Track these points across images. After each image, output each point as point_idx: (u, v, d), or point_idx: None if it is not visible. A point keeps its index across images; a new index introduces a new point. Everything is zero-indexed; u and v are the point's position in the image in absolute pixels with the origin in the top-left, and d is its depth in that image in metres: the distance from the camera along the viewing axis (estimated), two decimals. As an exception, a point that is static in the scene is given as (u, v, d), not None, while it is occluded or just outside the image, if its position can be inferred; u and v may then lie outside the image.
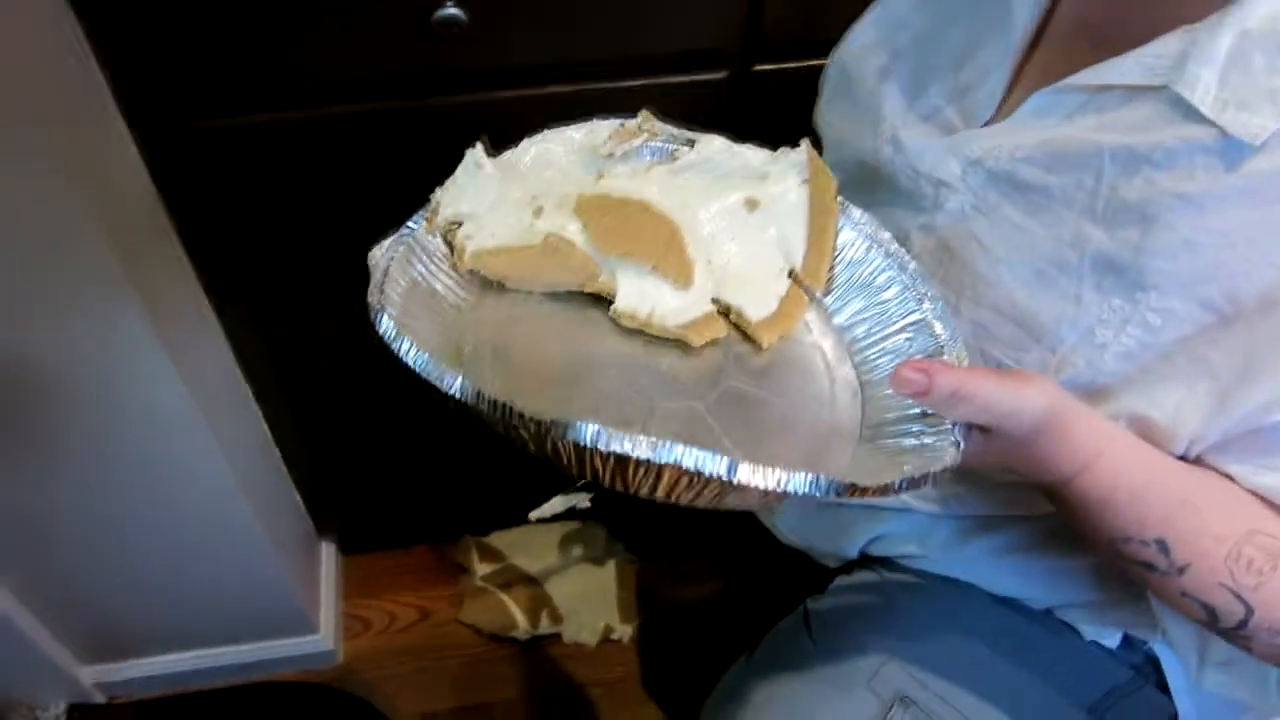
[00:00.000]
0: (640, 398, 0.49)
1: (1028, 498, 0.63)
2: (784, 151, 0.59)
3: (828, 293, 0.57)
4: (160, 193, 0.82)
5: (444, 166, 0.55)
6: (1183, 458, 0.52)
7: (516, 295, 0.53)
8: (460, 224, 0.53)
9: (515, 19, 0.75)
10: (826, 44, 0.72)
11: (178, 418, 0.86)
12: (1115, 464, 0.49)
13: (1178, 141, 0.47)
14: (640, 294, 0.51)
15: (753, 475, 0.37)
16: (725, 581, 1.37)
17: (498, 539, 1.39)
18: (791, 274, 0.56)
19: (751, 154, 0.58)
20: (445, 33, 0.73)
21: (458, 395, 0.41)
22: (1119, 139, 0.49)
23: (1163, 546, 0.50)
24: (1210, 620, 0.51)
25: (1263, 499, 0.50)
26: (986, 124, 0.58)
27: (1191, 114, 0.46)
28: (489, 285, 0.53)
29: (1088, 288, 0.51)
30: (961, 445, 0.46)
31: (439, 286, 0.51)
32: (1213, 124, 0.45)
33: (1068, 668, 0.68)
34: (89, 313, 0.75)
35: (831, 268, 0.57)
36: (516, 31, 0.76)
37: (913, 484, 0.42)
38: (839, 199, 0.58)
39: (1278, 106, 0.44)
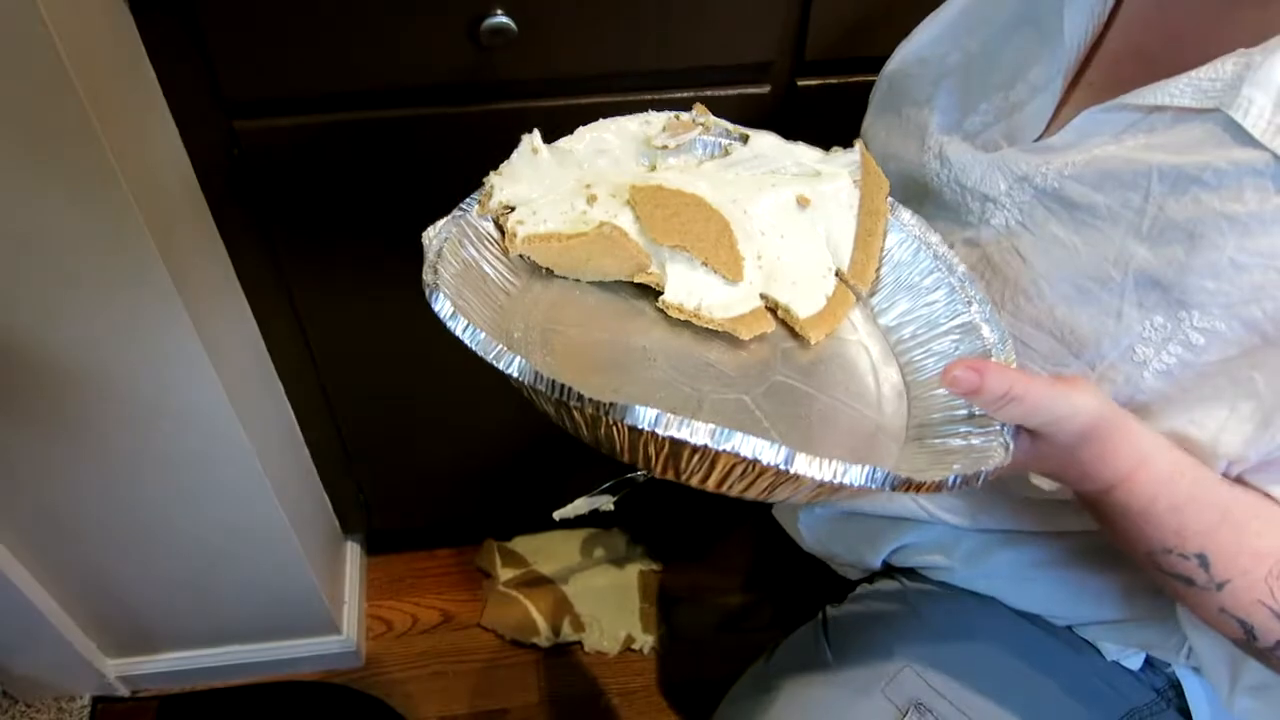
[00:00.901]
0: (689, 388, 0.49)
1: (1055, 514, 0.63)
2: (837, 151, 0.59)
3: (874, 293, 0.57)
4: (202, 188, 0.83)
5: (486, 172, 0.56)
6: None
7: (565, 283, 0.53)
8: (513, 208, 0.53)
9: (563, 29, 0.76)
10: (871, 60, 0.73)
11: (211, 414, 0.87)
12: (1159, 475, 0.49)
13: (1228, 164, 0.46)
14: (689, 286, 0.52)
15: (809, 466, 0.38)
16: (748, 592, 1.37)
17: (521, 544, 1.40)
18: (839, 273, 0.56)
19: (804, 152, 0.59)
20: (494, 41, 0.74)
21: (516, 375, 0.41)
22: (1168, 159, 0.49)
23: (1203, 561, 0.49)
24: (1248, 639, 0.50)
25: None
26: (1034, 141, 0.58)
27: (1243, 138, 0.46)
28: (538, 271, 0.53)
29: (1129, 304, 0.51)
30: (1011, 447, 0.46)
31: (489, 270, 0.52)
32: (1265, 148, 0.45)
33: (1087, 686, 0.68)
34: (126, 306, 0.76)
35: (879, 268, 0.57)
36: (564, 41, 0.76)
37: (965, 481, 0.43)
38: (889, 200, 0.58)
39: None
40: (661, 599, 1.35)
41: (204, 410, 0.86)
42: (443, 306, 0.44)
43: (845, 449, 0.49)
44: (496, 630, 1.31)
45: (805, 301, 0.54)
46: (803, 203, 0.55)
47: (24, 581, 1.01)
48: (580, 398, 0.38)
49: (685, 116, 0.59)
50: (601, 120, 0.59)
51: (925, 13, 0.68)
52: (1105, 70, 0.56)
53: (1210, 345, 0.48)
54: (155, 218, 0.72)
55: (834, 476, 0.38)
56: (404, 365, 1.02)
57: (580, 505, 0.73)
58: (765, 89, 0.83)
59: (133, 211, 0.69)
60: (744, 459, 0.38)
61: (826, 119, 0.72)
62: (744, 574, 1.39)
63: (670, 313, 0.52)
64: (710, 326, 0.52)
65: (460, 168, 0.61)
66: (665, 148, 0.58)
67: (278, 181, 0.83)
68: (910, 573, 0.77)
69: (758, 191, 0.55)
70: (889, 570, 0.79)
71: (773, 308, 0.55)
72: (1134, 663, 0.69)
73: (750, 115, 0.81)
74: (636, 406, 0.37)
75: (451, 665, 1.28)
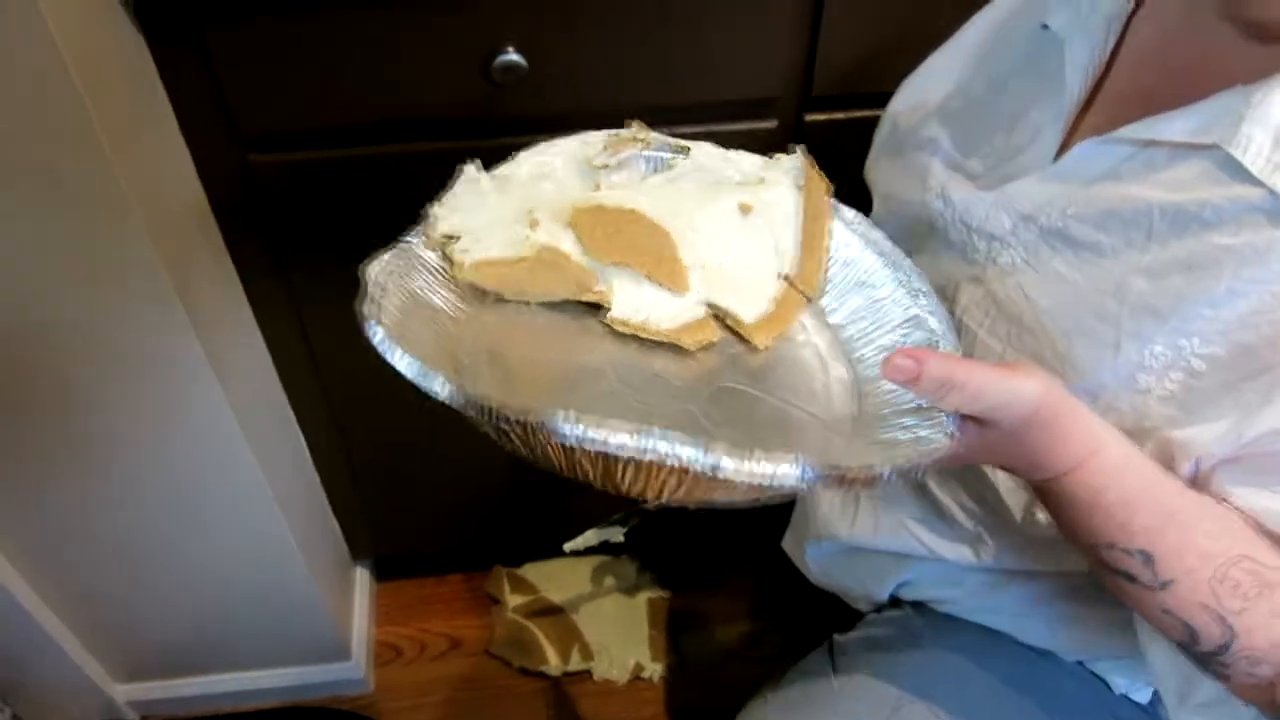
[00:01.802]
0: (637, 401, 0.49)
1: (1061, 553, 0.62)
2: (778, 157, 0.59)
3: (822, 294, 0.58)
4: (216, 218, 0.84)
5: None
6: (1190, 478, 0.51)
7: (514, 306, 0.53)
8: (457, 238, 0.54)
9: (573, 67, 0.77)
10: (878, 96, 0.73)
11: (221, 436, 0.88)
12: (1108, 466, 0.49)
13: (1226, 201, 0.47)
14: (635, 301, 0.53)
15: (732, 462, 0.37)
16: (757, 621, 1.37)
17: (530, 570, 1.40)
18: (786, 277, 0.56)
19: (746, 160, 0.59)
20: (505, 78, 0.75)
21: (446, 399, 0.41)
22: (1168, 197, 0.49)
23: (1146, 558, 0.49)
24: (1190, 641, 0.50)
25: (1259, 525, 0.49)
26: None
27: (1241, 174, 0.46)
28: (486, 297, 0.53)
29: (1126, 335, 0.51)
30: (956, 435, 0.46)
31: (438, 300, 0.52)
32: (1263, 185, 0.45)
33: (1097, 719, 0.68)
34: (137, 325, 0.77)
35: (825, 270, 0.57)
36: (574, 78, 0.77)
37: (903, 473, 0.42)
38: (832, 202, 0.58)
39: None
40: (671, 626, 1.35)
41: (213, 431, 0.87)
42: (378, 337, 0.44)
43: (791, 449, 0.49)
44: (505, 658, 1.30)
45: (751, 307, 0.54)
46: (745, 209, 0.56)
47: (34, 605, 1.01)
48: (507, 417, 0.38)
49: (624, 133, 0.59)
50: (541, 144, 0.60)
51: (931, 47, 0.69)
52: (1108, 111, 0.56)
53: (1211, 370, 0.48)
54: (168, 247, 0.73)
55: (757, 471, 0.37)
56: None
57: (590, 537, 0.73)
58: (773, 123, 0.84)
59: (144, 241, 0.70)
60: (669, 461, 0.37)
61: (835, 154, 0.73)
62: (753, 602, 1.38)
63: (617, 328, 0.52)
64: (657, 339, 0.52)
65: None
66: (606, 166, 0.58)
67: (291, 213, 0.84)
68: (919, 605, 0.77)
69: (700, 202, 0.56)
70: (897, 602, 0.78)
71: (720, 315, 0.55)
72: (1143, 696, 0.68)
73: (758, 151, 0.83)
74: (557, 415, 0.37)
75: (460, 692, 1.28)
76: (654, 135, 0.60)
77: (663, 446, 0.37)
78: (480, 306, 0.53)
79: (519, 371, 0.50)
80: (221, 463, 0.90)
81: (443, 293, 0.53)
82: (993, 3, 0.67)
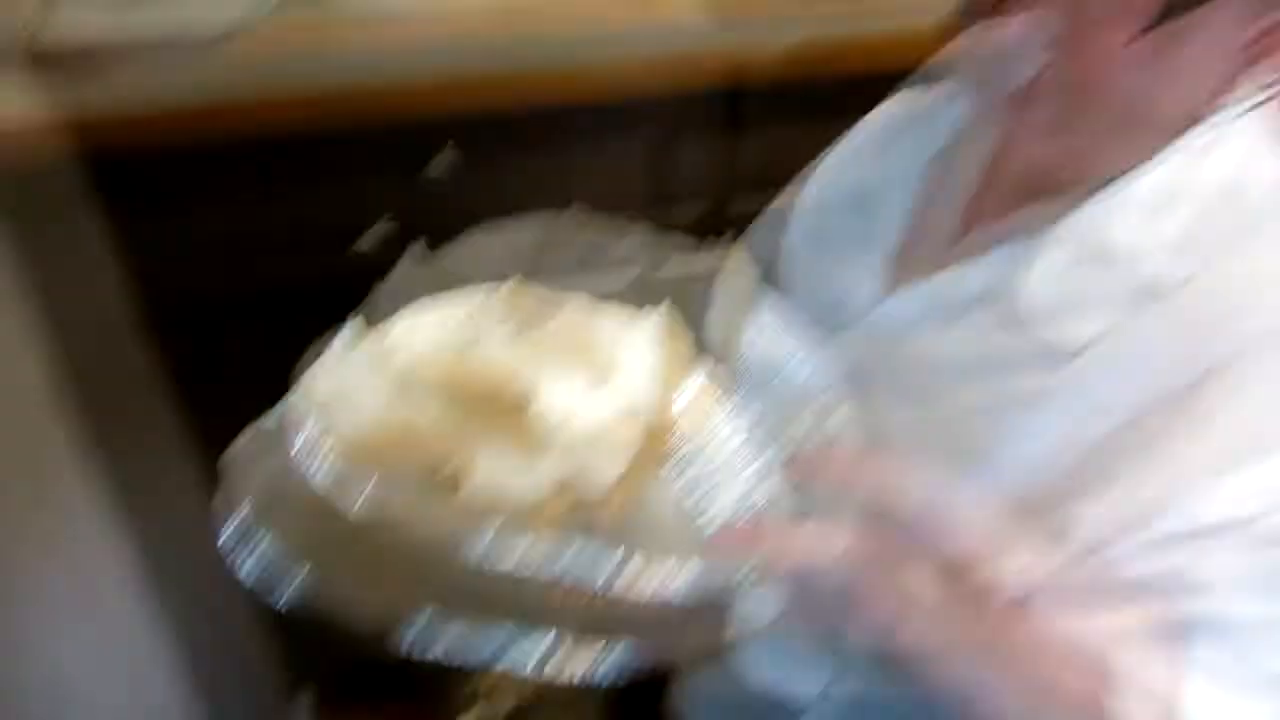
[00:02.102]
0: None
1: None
2: (641, 316, 0.59)
3: (675, 451, 0.56)
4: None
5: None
6: None
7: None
8: (326, 405, 0.51)
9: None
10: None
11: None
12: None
13: (1008, 350, 0.51)
14: (492, 475, 0.50)
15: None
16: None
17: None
18: (642, 435, 0.54)
19: (609, 321, 0.58)
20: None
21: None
22: (960, 349, 0.54)
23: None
24: None
25: None
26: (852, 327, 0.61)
27: (1020, 324, 0.51)
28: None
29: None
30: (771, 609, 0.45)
31: (302, 476, 0.49)
32: (1038, 333, 0.50)
33: None
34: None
35: (678, 428, 0.56)
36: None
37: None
38: (695, 357, 0.58)
39: (1088, 319, 0.48)
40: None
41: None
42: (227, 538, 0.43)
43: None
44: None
45: (606, 470, 0.51)
46: (605, 373, 0.54)
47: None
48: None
49: (501, 292, 0.58)
50: (423, 301, 0.58)
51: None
52: (928, 252, 0.59)
53: (1010, 509, 0.48)
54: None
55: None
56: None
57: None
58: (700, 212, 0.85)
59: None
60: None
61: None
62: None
63: (476, 504, 0.49)
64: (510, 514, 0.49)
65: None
66: (482, 324, 0.57)
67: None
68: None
69: (564, 367, 0.54)
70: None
71: (571, 485, 0.52)
72: None
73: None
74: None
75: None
76: (531, 291, 0.58)
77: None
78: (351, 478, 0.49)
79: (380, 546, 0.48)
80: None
81: (309, 467, 0.50)
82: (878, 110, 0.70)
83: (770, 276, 0.66)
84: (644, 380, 0.55)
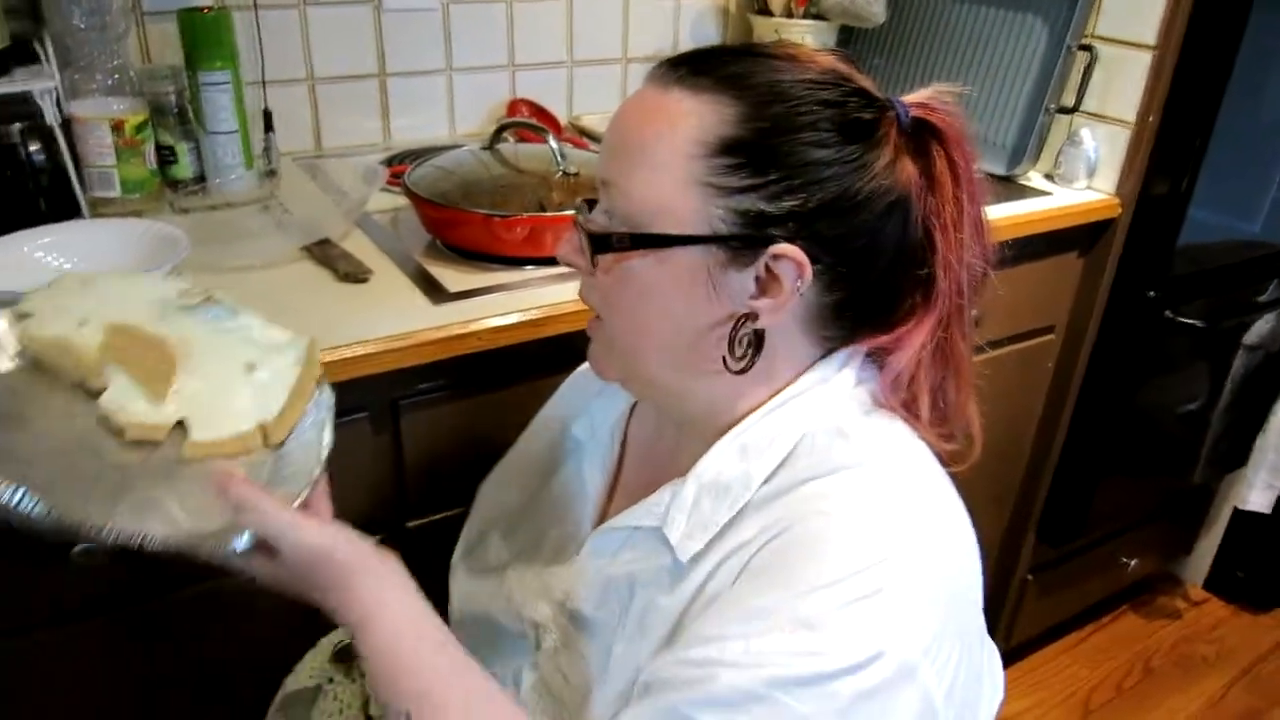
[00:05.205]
0: (94, 462, 0.63)
1: None
2: (297, 338, 0.73)
3: (280, 445, 0.68)
4: None
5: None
6: None
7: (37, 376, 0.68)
8: (30, 315, 0.69)
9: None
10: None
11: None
12: (387, 630, 0.60)
13: (659, 567, 0.65)
14: (121, 395, 0.66)
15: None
16: None
17: None
18: (261, 425, 0.68)
19: (277, 333, 0.73)
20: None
21: None
22: (635, 568, 0.66)
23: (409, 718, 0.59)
24: None
25: None
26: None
27: (667, 545, 0.64)
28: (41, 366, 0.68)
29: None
30: (238, 550, 0.58)
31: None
32: (676, 553, 0.63)
33: None
34: None
35: (290, 431, 0.69)
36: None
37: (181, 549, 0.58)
38: (318, 386, 0.72)
39: (707, 534, 0.62)
40: None
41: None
42: None
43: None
44: None
45: (205, 430, 0.66)
46: (250, 367, 0.70)
47: None
48: None
49: (197, 290, 0.75)
50: (142, 273, 0.79)
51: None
52: (627, 500, 0.71)
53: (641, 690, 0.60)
54: None
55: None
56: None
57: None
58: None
59: None
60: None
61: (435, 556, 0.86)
62: None
63: (102, 408, 0.66)
64: (120, 425, 0.65)
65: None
66: (182, 307, 0.73)
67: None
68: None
69: (218, 349, 0.71)
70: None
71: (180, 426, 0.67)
72: None
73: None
74: None
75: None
76: (219, 296, 0.75)
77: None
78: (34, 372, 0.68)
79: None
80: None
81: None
82: (527, 430, 0.88)
83: None
84: (281, 384, 0.70)
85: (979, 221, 0.65)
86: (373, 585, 0.61)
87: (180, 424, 0.67)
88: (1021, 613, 1.89)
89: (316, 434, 0.69)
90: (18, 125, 1.08)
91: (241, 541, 0.58)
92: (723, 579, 0.60)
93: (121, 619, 0.95)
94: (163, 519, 0.60)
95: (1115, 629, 2.13)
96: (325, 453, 0.67)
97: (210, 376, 0.69)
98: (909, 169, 0.62)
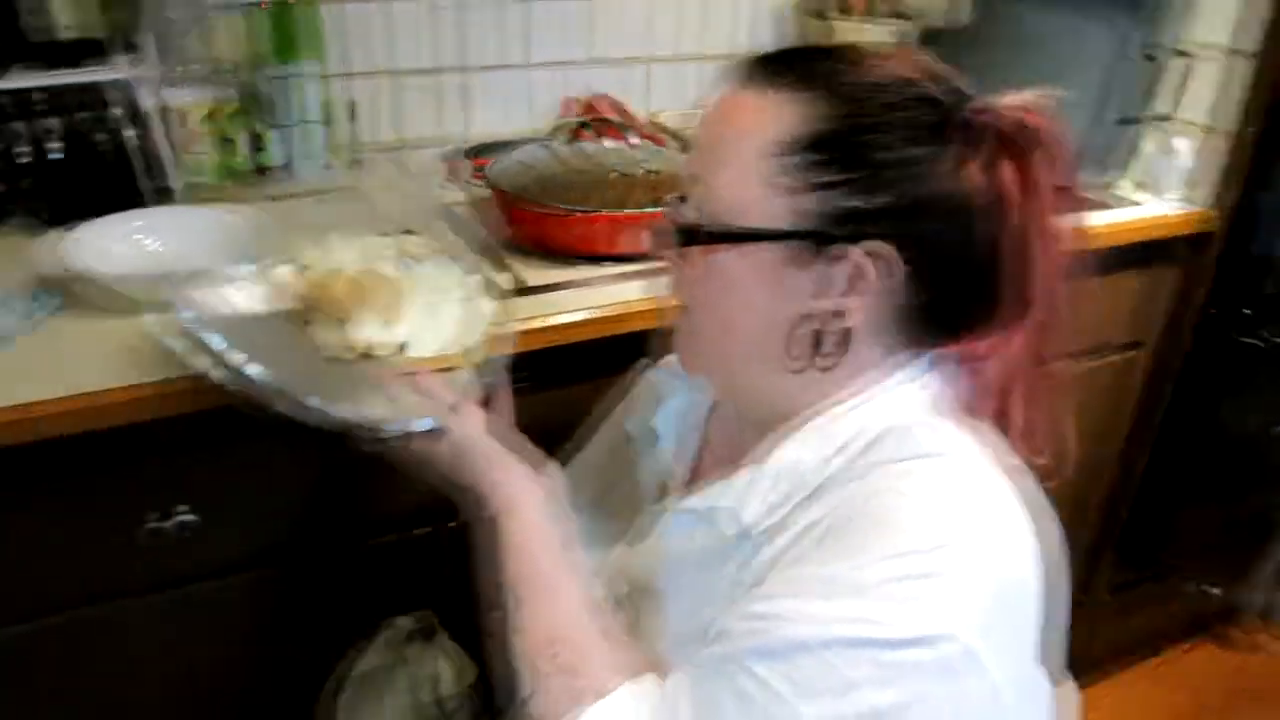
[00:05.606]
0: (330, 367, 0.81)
1: None
2: (494, 282, 0.92)
3: (475, 366, 0.83)
4: None
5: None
6: None
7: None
8: (307, 267, 0.87)
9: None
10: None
11: None
12: (522, 523, 0.71)
13: (732, 545, 0.65)
14: (360, 322, 0.82)
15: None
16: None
17: None
18: (464, 349, 0.83)
19: (486, 275, 0.92)
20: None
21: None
22: (709, 545, 0.67)
23: (517, 601, 0.68)
24: (519, 687, 0.65)
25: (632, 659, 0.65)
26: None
27: (741, 523, 0.65)
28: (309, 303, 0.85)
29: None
30: (414, 428, 0.74)
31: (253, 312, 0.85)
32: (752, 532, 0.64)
33: None
34: None
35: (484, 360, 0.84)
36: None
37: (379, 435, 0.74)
38: (508, 321, 0.88)
39: (780, 512, 0.63)
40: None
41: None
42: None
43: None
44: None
45: (421, 349, 0.83)
46: (459, 303, 0.87)
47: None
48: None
49: (426, 245, 0.94)
50: (400, 237, 0.96)
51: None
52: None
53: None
54: None
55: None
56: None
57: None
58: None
59: None
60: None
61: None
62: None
63: (345, 332, 0.82)
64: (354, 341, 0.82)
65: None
66: (414, 257, 0.91)
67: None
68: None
69: (437, 289, 0.87)
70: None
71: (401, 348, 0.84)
72: None
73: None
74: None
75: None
76: (441, 247, 0.95)
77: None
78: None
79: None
80: None
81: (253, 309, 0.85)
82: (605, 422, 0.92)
83: None
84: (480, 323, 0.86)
85: (1077, 231, 0.63)
86: (520, 485, 0.73)
87: (402, 347, 0.83)
88: (1098, 632, 1.83)
89: (501, 354, 0.84)
90: (117, 111, 1.11)
91: (422, 424, 0.74)
92: (793, 554, 0.61)
93: (200, 592, 0.98)
94: (367, 405, 0.76)
95: (1195, 656, 2.05)
96: (504, 368, 0.84)
97: (429, 308, 0.85)
98: (1005, 173, 0.61)
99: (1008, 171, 0.60)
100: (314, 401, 0.74)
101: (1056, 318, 0.63)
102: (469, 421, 0.75)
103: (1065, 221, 0.62)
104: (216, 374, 0.76)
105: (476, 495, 0.73)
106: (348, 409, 0.74)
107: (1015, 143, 0.61)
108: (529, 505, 0.72)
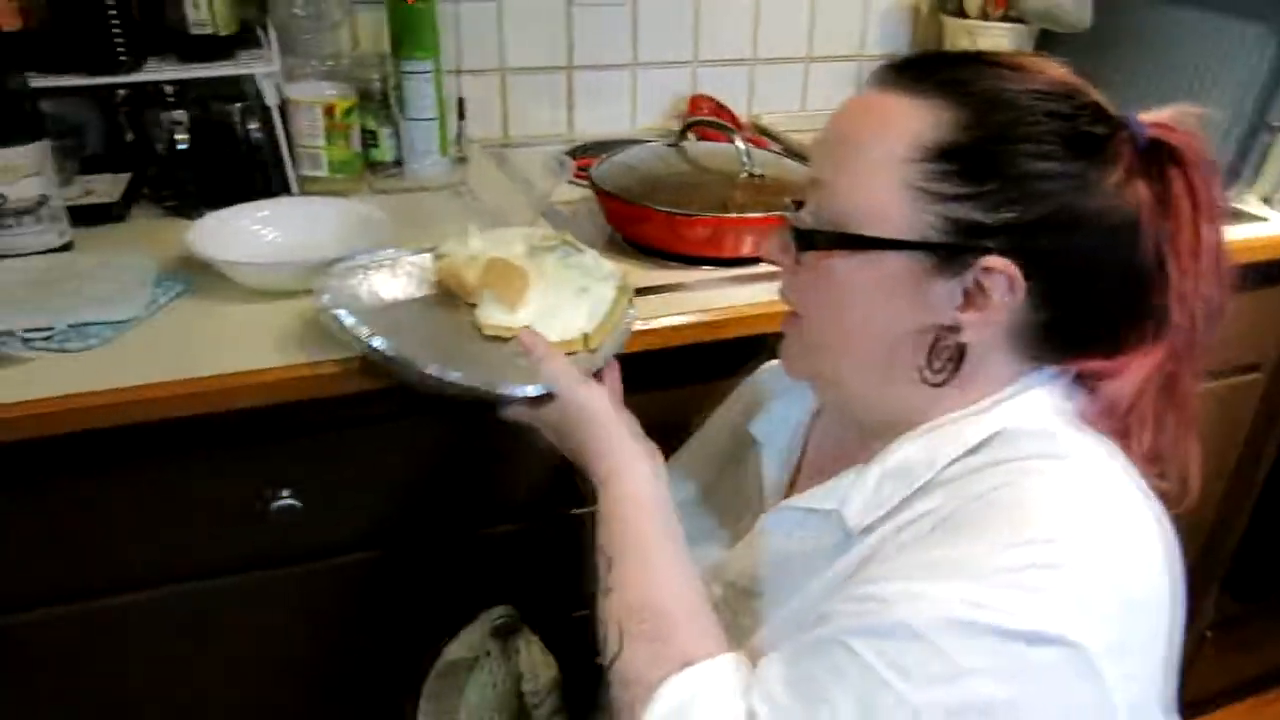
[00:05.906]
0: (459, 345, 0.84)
1: None
2: (617, 270, 0.94)
3: (592, 350, 0.86)
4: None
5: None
6: None
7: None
8: (445, 255, 0.91)
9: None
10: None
11: None
12: (624, 490, 0.72)
13: (832, 544, 0.64)
14: (488, 307, 0.86)
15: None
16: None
17: None
18: (584, 334, 0.86)
19: (605, 266, 0.94)
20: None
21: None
22: (808, 545, 0.67)
23: (609, 563, 0.69)
24: (605, 647, 0.65)
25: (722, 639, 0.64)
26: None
27: (844, 526, 0.64)
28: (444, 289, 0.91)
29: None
30: (527, 392, 0.77)
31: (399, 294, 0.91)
32: (852, 533, 0.63)
33: None
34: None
35: (605, 343, 0.87)
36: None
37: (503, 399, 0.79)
38: (629, 311, 0.92)
39: (882, 509, 0.62)
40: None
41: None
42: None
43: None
44: None
45: (544, 332, 0.84)
46: (582, 290, 0.90)
47: None
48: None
49: (554, 235, 0.96)
50: (527, 229, 1.01)
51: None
52: (805, 489, 0.71)
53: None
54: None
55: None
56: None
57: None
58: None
59: None
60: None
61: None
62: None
63: (475, 315, 0.87)
64: (482, 323, 0.86)
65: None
66: (544, 249, 0.94)
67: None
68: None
69: (562, 276, 0.91)
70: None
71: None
72: None
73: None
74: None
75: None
76: (568, 239, 0.96)
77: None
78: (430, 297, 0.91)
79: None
80: None
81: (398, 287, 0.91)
82: (705, 426, 0.93)
83: None
84: (603, 307, 0.90)
85: (1218, 251, 0.60)
86: (628, 455, 0.74)
87: (528, 329, 0.86)
88: (1197, 668, 1.75)
89: (618, 340, 0.88)
90: (240, 105, 1.16)
91: (535, 389, 0.78)
92: (899, 541, 0.59)
93: (305, 573, 1.01)
94: (484, 374, 0.80)
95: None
96: (622, 342, 0.89)
97: (553, 295, 0.89)
98: (1142, 191, 0.59)
99: (1145, 190, 0.58)
100: (449, 373, 0.79)
101: (1196, 341, 0.61)
102: (595, 393, 0.77)
103: (1210, 241, 0.60)
104: (360, 349, 0.82)
105: (588, 461, 0.75)
106: (479, 375, 0.79)
107: (1155, 159, 0.59)
108: (636, 475, 0.73)
